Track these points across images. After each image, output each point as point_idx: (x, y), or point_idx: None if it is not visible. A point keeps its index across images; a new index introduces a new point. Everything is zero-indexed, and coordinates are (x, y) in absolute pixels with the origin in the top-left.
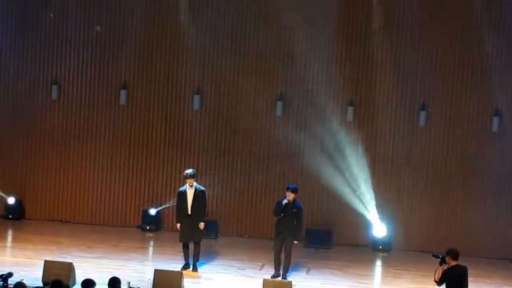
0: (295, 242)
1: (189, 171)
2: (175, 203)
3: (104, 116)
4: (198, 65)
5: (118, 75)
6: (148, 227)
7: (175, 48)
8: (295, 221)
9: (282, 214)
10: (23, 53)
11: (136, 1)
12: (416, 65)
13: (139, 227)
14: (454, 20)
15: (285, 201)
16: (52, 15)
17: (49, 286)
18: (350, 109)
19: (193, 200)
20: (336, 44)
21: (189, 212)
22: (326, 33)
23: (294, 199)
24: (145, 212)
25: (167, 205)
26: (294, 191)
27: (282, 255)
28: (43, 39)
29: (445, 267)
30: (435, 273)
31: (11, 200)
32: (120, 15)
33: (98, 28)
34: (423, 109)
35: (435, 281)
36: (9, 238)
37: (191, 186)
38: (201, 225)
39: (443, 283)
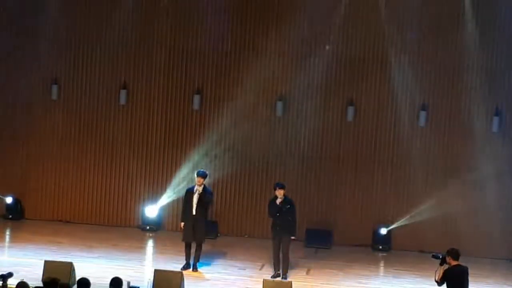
0: (292, 238)
1: (201, 170)
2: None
3: (104, 116)
4: (198, 65)
5: (118, 75)
6: (148, 227)
7: (175, 48)
8: (289, 218)
9: (278, 214)
10: (23, 53)
11: (136, 1)
12: (416, 65)
13: (139, 227)
14: (454, 20)
15: (278, 200)
16: (327, 47)
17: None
18: (350, 109)
19: (198, 201)
20: (336, 44)
21: (194, 213)
22: (327, 32)
23: (285, 196)
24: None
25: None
26: (283, 187)
27: (281, 255)
28: (43, 39)
29: (446, 267)
30: (435, 273)
31: (8, 200)
32: (120, 15)
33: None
34: (423, 109)
35: (436, 281)
36: (9, 238)
37: (200, 186)
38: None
39: (443, 283)
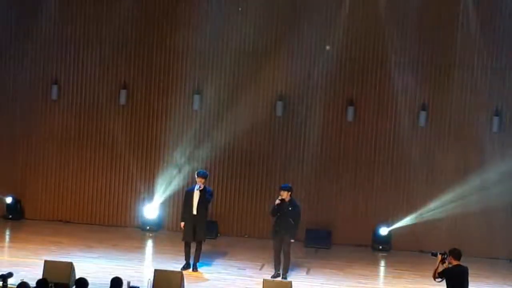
0: (292, 241)
1: (202, 170)
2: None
3: (104, 116)
4: (198, 65)
5: (118, 75)
6: (148, 227)
7: (175, 48)
8: (291, 220)
9: (278, 214)
10: (23, 53)
11: (136, 1)
12: (416, 65)
13: (139, 227)
14: (453, 20)
15: (277, 201)
16: (327, 47)
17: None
18: (350, 109)
19: (199, 201)
20: (336, 44)
21: (195, 212)
22: (327, 32)
23: (291, 198)
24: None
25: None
26: (285, 189)
27: (282, 255)
28: (43, 39)
29: (446, 265)
30: (436, 269)
31: (8, 200)
32: (120, 15)
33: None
34: (423, 109)
35: (434, 275)
36: (9, 238)
37: (200, 186)
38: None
39: (439, 279)
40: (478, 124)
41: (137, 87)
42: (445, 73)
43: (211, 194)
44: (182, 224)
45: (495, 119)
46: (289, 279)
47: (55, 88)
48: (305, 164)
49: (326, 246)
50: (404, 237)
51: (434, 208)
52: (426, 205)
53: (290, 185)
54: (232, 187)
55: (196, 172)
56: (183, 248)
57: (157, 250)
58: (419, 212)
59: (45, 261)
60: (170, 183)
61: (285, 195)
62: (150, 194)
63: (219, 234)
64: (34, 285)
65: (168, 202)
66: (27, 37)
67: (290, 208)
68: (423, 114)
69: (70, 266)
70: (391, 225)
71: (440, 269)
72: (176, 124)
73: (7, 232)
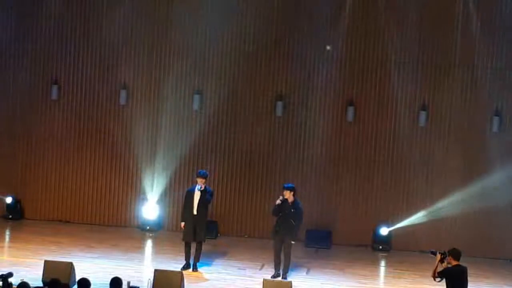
0: (293, 242)
1: (202, 171)
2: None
3: (104, 116)
4: (198, 65)
5: (118, 75)
6: (148, 227)
7: (175, 48)
8: (292, 221)
9: (280, 214)
10: (23, 52)
11: (136, 1)
12: (416, 65)
13: (139, 227)
14: (453, 20)
15: (278, 201)
16: (328, 47)
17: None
18: (350, 109)
19: (199, 201)
20: (337, 44)
21: (195, 212)
22: (327, 32)
23: (294, 199)
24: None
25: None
26: (288, 189)
27: (282, 255)
28: (43, 39)
29: (445, 265)
30: (435, 268)
31: (8, 200)
32: (120, 15)
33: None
34: (423, 109)
35: (433, 274)
36: (9, 238)
37: (201, 187)
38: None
39: (439, 279)
40: (478, 124)
41: (137, 87)
42: (445, 73)
43: (212, 195)
44: (182, 224)
45: (495, 119)
46: (289, 279)
47: (55, 88)
48: (305, 164)
49: (326, 246)
50: (404, 237)
51: (434, 208)
52: (426, 205)
53: (293, 185)
54: (232, 187)
55: (197, 172)
56: (183, 248)
57: (157, 250)
58: (419, 212)
59: (45, 261)
60: (165, 179)
61: (287, 194)
62: (149, 193)
63: (219, 234)
64: (34, 286)
65: (168, 202)
66: (27, 37)
67: (292, 210)
68: (423, 114)
69: (70, 266)
70: (391, 225)
71: (439, 268)
72: (176, 124)
73: (7, 232)
